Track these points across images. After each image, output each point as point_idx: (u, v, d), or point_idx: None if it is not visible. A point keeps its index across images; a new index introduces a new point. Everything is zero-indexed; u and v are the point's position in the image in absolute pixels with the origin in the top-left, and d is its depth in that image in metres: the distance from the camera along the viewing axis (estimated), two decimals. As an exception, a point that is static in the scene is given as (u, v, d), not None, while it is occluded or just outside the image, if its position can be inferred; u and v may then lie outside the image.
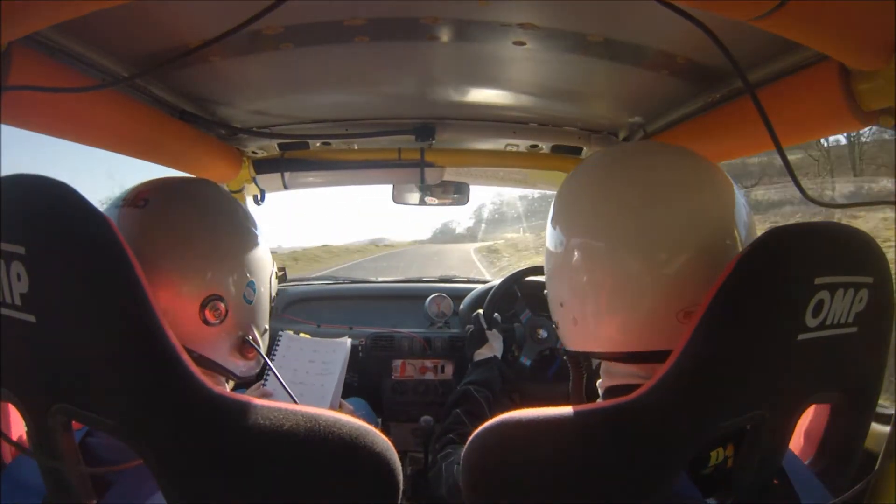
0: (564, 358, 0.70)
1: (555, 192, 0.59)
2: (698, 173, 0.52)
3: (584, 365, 0.71)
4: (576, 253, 0.53)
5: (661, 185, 0.51)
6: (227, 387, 0.63)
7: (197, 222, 0.58)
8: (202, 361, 0.57)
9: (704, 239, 0.48)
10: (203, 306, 0.55)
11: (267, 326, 0.67)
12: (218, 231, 0.59)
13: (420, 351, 1.49)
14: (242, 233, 0.62)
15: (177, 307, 0.54)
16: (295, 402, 0.76)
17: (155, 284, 0.52)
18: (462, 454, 0.48)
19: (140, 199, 0.56)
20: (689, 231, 0.48)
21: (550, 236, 0.57)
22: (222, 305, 0.57)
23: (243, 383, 0.72)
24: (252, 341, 0.62)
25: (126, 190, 0.58)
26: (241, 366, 0.62)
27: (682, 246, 0.48)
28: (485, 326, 1.21)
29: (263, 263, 0.64)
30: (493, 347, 1.17)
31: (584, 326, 0.54)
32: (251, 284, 0.61)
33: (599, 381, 0.59)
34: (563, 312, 0.57)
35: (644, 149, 0.58)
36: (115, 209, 0.56)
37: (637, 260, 0.49)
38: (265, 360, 0.65)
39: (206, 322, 0.56)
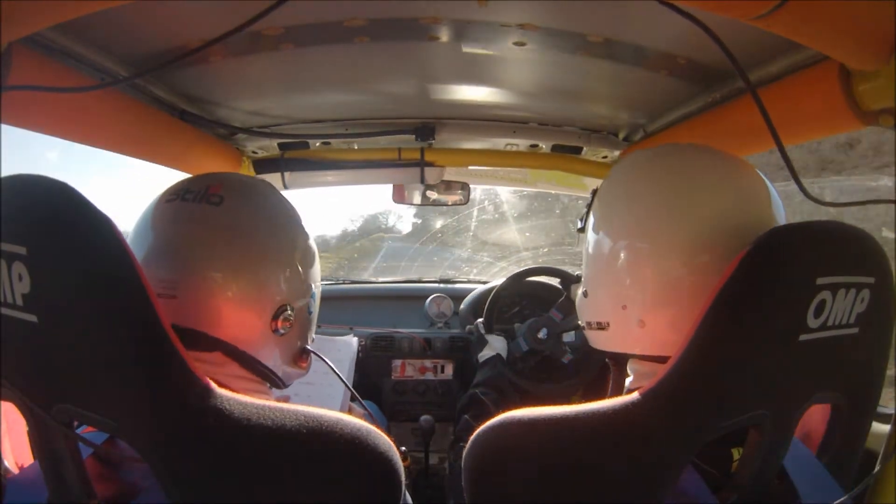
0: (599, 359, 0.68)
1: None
2: (739, 170, 0.52)
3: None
4: (658, 258, 0.51)
5: (713, 183, 0.51)
6: (271, 396, 0.62)
7: (275, 229, 0.56)
8: (257, 368, 0.56)
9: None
10: (276, 315, 0.54)
11: (314, 336, 0.67)
12: (293, 240, 0.58)
13: (420, 351, 1.49)
14: (309, 243, 0.61)
15: (249, 313, 0.53)
16: (371, 415, 0.78)
17: (226, 289, 0.51)
18: (464, 453, 0.48)
19: (212, 195, 0.53)
20: (745, 228, 0.47)
21: (608, 239, 0.56)
22: (292, 315, 0.56)
23: None
24: (311, 349, 0.62)
25: (186, 181, 0.56)
26: (292, 374, 0.62)
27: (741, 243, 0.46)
28: (483, 332, 1.25)
29: (318, 274, 0.64)
30: (494, 347, 1.20)
31: (653, 329, 0.53)
32: (313, 296, 0.61)
33: (627, 381, 0.59)
34: (626, 315, 0.54)
35: (687, 149, 0.57)
36: (179, 201, 0.53)
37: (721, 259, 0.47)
38: (331, 367, 0.66)
39: (275, 331, 0.55)
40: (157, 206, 0.54)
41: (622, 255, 0.54)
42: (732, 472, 0.46)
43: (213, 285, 0.51)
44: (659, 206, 0.52)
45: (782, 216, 0.51)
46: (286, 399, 0.89)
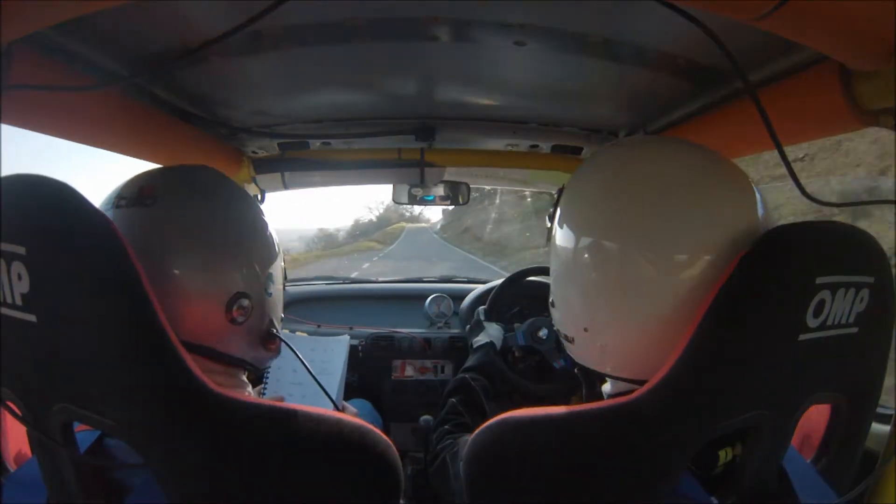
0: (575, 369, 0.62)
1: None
2: (722, 169, 0.49)
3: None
4: (624, 269, 0.47)
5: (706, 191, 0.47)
6: (245, 380, 0.62)
7: (213, 219, 0.55)
8: (225, 359, 0.56)
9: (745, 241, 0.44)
10: (230, 307, 0.54)
11: (282, 314, 0.66)
12: (235, 226, 0.57)
13: (420, 351, 1.49)
14: (256, 223, 0.59)
15: (202, 310, 0.53)
16: (334, 403, 0.77)
17: (176, 288, 0.51)
18: (463, 454, 0.48)
19: (146, 196, 0.52)
20: (738, 238, 0.44)
21: (571, 252, 0.51)
22: (248, 302, 0.55)
23: None
24: (277, 332, 0.62)
25: (121, 185, 0.54)
26: (263, 359, 0.62)
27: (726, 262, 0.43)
28: (482, 318, 1.25)
29: (275, 252, 0.62)
30: (490, 334, 1.19)
31: (616, 355, 0.50)
32: (269, 276, 0.59)
33: (605, 387, 0.58)
34: (588, 338, 0.52)
35: (665, 143, 0.53)
36: (114, 209, 0.52)
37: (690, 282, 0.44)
38: (293, 350, 0.66)
39: (233, 321, 0.54)
40: None
41: (585, 267, 0.49)
42: (717, 473, 0.46)
43: (160, 286, 0.49)
44: (632, 206, 0.47)
45: (770, 219, 0.48)
46: (280, 399, 0.89)
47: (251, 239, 0.58)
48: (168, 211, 0.52)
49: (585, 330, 0.51)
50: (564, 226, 0.53)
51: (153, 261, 0.50)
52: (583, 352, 0.55)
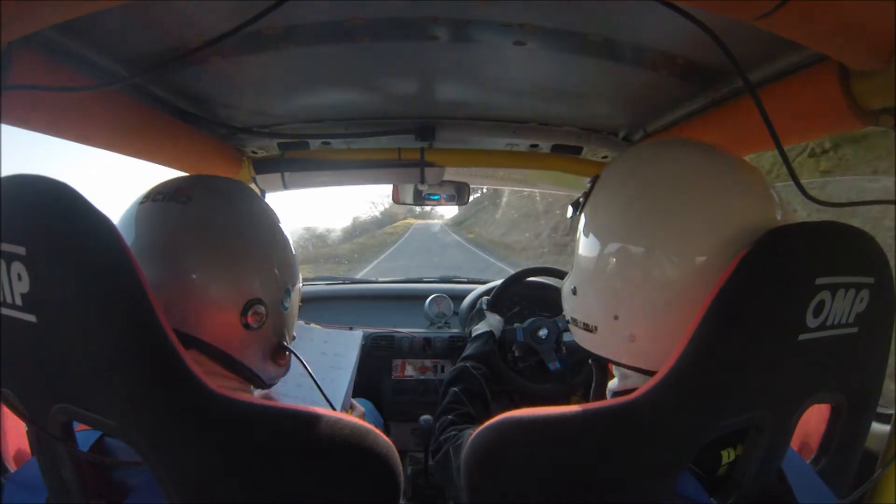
0: (590, 362, 0.63)
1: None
2: (741, 169, 0.50)
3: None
4: (654, 265, 0.48)
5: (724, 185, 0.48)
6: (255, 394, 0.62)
7: (244, 225, 0.57)
8: (235, 367, 0.56)
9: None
10: (246, 310, 0.55)
11: (295, 335, 0.67)
12: (262, 236, 0.59)
13: (420, 351, 1.49)
14: (281, 239, 0.61)
15: (219, 309, 0.53)
16: (333, 407, 0.77)
17: (195, 285, 0.52)
18: (463, 454, 0.48)
19: (182, 194, 0.54)
20: (749, 231, 0.45)
21: (603, 240, 0.52)
22: (263, 310, 0.56)
23: None
24: (287, 345, 0.62)
25: (160, 183, 0.57)
26: (272, 372, 0.62)
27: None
28: (484, 307, 1.25)
29: (296, 272, 0.64)
30: (490, 323, 1.19)
31: (644, 344, 0.50)
32: (287, 291, 0.61)
33: (611, 384, 0.58)
34: (616, 325, 0.52)
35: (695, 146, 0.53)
36: (150, 202, 0.55)
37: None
38: (305, 367, 0.66)
39: (246, 326, 0.55)
40: (131, 208, 0.56)
41: (617, 260, 0.51)
42: (721, 474, 0.46)
43: (181, 282, 0.52)
44: (659, 207, 0.49)
45: (785, 216, 0.49)
46: (268, 398, 0.88)
47: (276, 252, 0.60)
48: (202, 210, 0.55)
49: (615, 318, 0.52)
50: (593, 228, 0.54)
51: (177, 256, 0.52)
52: (605, 341, 0.54)
